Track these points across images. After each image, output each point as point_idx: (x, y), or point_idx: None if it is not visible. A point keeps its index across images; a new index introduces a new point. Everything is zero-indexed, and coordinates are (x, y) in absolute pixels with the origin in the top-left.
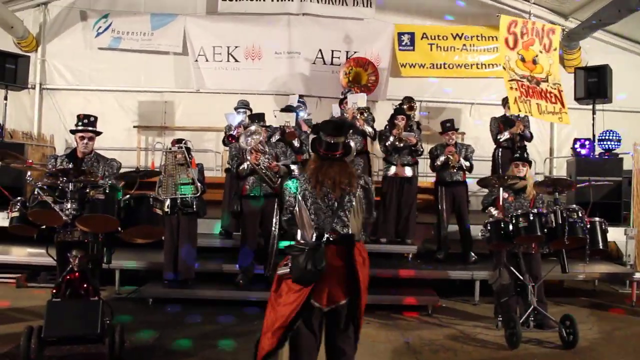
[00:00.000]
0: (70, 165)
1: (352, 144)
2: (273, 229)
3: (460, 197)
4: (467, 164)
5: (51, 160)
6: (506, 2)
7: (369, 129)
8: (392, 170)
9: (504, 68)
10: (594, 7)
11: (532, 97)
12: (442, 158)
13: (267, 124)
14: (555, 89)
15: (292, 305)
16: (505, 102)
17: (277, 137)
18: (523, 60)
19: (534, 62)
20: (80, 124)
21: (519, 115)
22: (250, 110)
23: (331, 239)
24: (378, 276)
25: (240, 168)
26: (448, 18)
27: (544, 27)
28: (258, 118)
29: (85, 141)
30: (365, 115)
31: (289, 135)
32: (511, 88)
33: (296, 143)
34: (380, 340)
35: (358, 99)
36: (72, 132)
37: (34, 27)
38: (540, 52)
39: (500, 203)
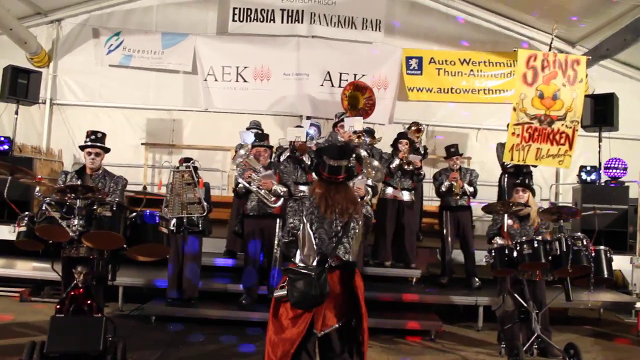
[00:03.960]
0: (79, 182)
1: (375, 163)
2: (275, 250)
3: (464, 222)
4: (471, 189)
5: (62, 175)
6: (514, 29)
7: (363, 153)
8: (389, 191)
9: (515, 109)
10: (601, 35)
11: (535, 142)
12: (446, 183)
13: (271, 144)
14: (570, 127)
15: (297, 331)
16: None
17: (286, 154)
18: (541, 96)
19: (554, 97)
20: (88, 139)
21: None
22: (262, 130)
23: (333, 264)
24: (381, 300)
25: (238, 187)
26: (463, 43)
27: (567, 59)
28: (260, 138)
29: (92, 157)
30: (362, 139)
31: (299, 148)
32: (513, 134)
33: (307, 160)
34: None
35: (355, 123)
36: (81, 147)
37: (47, 43)
38: (564, 85)
39: (505, 229)
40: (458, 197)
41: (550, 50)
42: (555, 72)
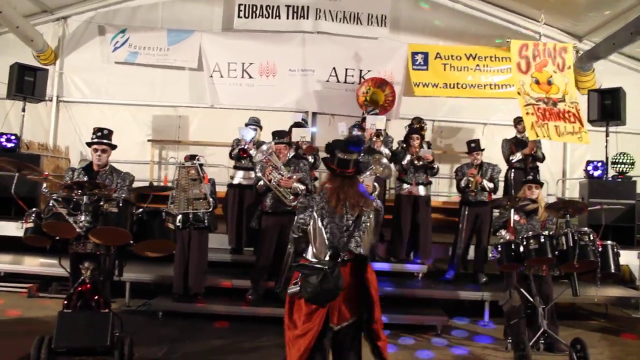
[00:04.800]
0: (86, 178)
1: (384, 160)
2: (289, 246)
3: (483, 217)
4: (491, 185)
5: (69, 172)
6: (520, 24)
7: (386, 151)
8: (405, 188)
9: (519, 93)
10: (608, 29)
11: (549, 120)
12: (465, 178)
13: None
14: (573, 107)
15: (313, 327)
16: (517, 122)
17: (292, 153)
18: (537, 82)
19: (549, 83)
20: (94, 136)
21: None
22: (261, 127)
23: (345, 258)
24: (388, 295)
25: (258, 185)
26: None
27: (556, 47)
28: (280, 135)
29: (98, 153)
30: (383, 137)
31: (307, 149)
32: (527, 113)
33: (310, 158)
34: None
35: (377, 121)
36: (88, 144)
37: (53, 40)
38: (555, 72)
39: (511, 225)
40: (474, 193)
41: (539, 39)
42: (546, 60)
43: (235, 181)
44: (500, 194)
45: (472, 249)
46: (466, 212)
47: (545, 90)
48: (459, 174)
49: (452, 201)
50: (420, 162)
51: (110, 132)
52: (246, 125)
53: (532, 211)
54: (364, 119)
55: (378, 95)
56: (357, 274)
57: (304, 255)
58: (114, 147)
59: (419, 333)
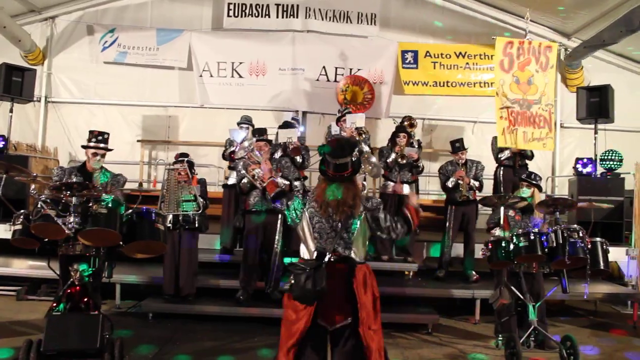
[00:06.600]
0: (81, 179)
1: (373, 159)
2: (275, 245)
3: (469, 216)
4: (477, 183)
5: (58, 171)
6: (509, 22)
7: (366, 148)
8: (390, 186)
9: (497, 94)
10: (596, 27)
11: (520, 125)
12: (452, 180)
13: (269, 138)
14: (546, 110)
15: (301, 322)
16: None
17: (279, 153)
18: (517, 82)
19: (529, 82)
20: (94, 139)
21: None
22: (253, 125)
23: (332, 259)
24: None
25: (242, 183)
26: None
27: (541, 45)
28: (260, 132)
29: (98, 157)
30: (364, 136)
31: (293, 151)
32: (501, 117)
33: (299, 159)
34: None
35: (357, 119)
36: (85, 147)
37: (41, 40)
38: (537, 71)
39: (503, 221)
40: (466, 197)
41: (525, 37)
42: (529, 59)
43: (230, 181)
44: (490, 191)
45: (461, 247)
46: (452, 211)
47: (523, 91)
48: (444, 173)
49: (443, 200)
50: (405, 161)
51: (108, 135)
52: (238, 124)
53: (528, 209)
54: (338, 118)
55: (357, 94)
56: (347, 277)
57: (299, 254)
58: (110, 150)
59: (410, 332)
